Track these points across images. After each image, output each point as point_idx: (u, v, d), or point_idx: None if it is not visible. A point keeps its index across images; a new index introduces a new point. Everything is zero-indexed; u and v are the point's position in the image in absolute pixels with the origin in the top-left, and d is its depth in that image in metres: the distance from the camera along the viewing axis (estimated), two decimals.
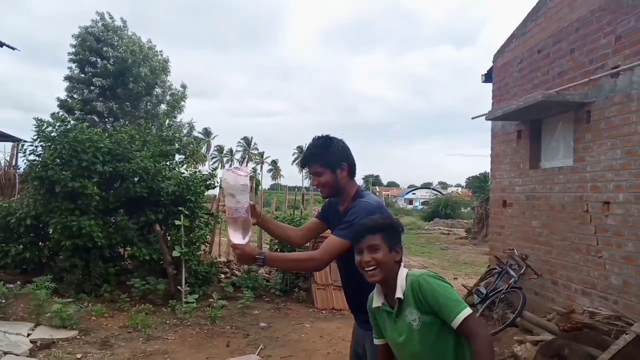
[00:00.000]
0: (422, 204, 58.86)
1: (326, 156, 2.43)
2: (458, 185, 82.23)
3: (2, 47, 13.59)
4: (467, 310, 1.81)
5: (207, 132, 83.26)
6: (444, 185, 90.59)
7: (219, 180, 8.55)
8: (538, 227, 6.38)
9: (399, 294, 1.93)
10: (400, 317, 1.95)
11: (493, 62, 8.00)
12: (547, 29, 6.44)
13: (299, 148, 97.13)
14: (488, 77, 8.31)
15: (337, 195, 2.51)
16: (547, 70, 6.37)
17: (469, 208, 34.27)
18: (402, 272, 1.99)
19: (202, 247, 8.03)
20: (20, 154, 10.61)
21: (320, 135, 2.51)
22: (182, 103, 25.56)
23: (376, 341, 2.17)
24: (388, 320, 2.02)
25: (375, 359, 2.31)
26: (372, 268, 1.97)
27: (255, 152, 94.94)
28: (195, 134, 31.94)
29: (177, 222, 7.00)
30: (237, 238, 2.34)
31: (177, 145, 8.59)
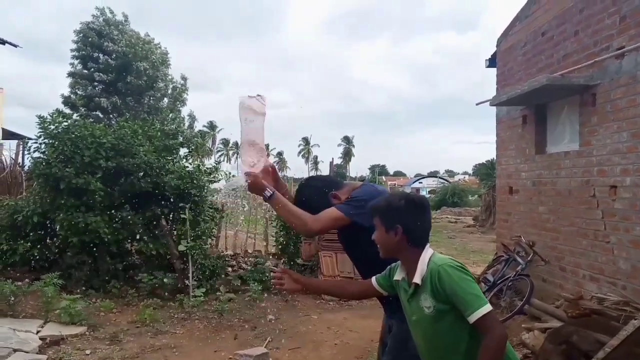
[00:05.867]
0: (429, 192, 58.64)
1: (314, 204, 2.46)
2: (465, 173, 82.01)
3: (4, 44, 13.64)
4: (486, 307, 1.76)
5: (212, 126, 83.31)
6: (450, 173, 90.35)
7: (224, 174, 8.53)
8: (545, 213, 6.32)
9: (417, 278, 1.89)
10: (414, 299, 1.93)
11: (497, 46, 7.89)
12: (550, 10, 6.33)
13: (304, 139, 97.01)
14: (492, 62, 8.20)
15: None
16: (551, 53, 6.27)
17: (476, 196, 34.13)
18: (425, 256, 1.92)
19: (209, 240, 8.04)
20: (25, 152, 10.67)
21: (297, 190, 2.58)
22: (185, 95, 25.55)
23: (374, 282, 2.19)
24: (404, 296, 2.01)
25: (394, 348, 2.31)
26: (377, 246, 2.04)
27: None
28: (198, 126, 31.96)
29: (182, 216, 7.01)
30: (249, 166, 2.39)
31: (180, 138, 8.58)
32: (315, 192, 2.48)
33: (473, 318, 1.75)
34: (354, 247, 2.47)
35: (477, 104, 7.60)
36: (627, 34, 4.88)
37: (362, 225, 2.27)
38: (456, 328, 1.82)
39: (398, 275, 2.04)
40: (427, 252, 1.93)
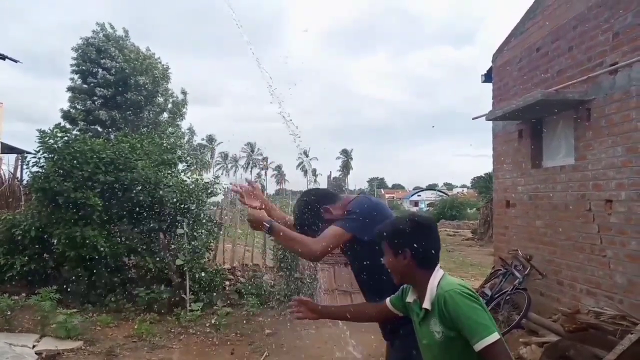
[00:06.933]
0: (428, 205, 58.66)
1: (311, 228, 2.47)
2: (463, 186, 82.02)
3: (4, 59, 13.74)
4: (493, 337, 1.70)
5: (210, 139, 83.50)
6: (449, 186, 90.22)
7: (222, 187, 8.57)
8: (542, 227, 6.34)
9: (426, 304, 1.86)
10: (425, 323, 1.90)
11: (492, 61, 7.98)
12: (545, 27, 6.41)
13: (303, 153, 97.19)
14: (488, 77, 8.27)
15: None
16: (546, 68, 6.34)
17: (474, 209, 34.14)
18: (435, 279, 1.88)
19: (206, 254, 8.03)
20: (24, 166, 10.67)
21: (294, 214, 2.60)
22: (184, 110, 25.61)
23: (388, 303, 2.16)
24: (415, 319, 1.99)
25: None
26: (389, 271, 2.00)
27: (260, 157, 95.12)
28: (198, 140, 31.89)
29: (179, 231, 7.02)
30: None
31: (179, 152, 8.62)
32: (311, 205, 2.49)
33: (479, 347, 1.70)
34: (356, 261, 2.45)
35: (473, 119, 7.65)
36: (620, 50, 4.95)
37: (360, 238, 2.27)
38: (466, 355, 1.78)
39: (410, 297, 2.02)
40: (437, 275, 1.89)
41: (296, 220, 2.56)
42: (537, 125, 6.70)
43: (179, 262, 6.86)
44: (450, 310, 1.76)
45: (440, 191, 69.39)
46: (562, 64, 5.98)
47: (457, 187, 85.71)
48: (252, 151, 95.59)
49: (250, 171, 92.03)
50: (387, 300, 2.18)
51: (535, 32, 6.66)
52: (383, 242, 2.00)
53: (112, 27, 23.85)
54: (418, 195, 75.47)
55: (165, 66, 24.80)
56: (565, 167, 5.89)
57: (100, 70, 22.77)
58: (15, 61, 14.08)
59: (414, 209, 61.66)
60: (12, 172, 11.22)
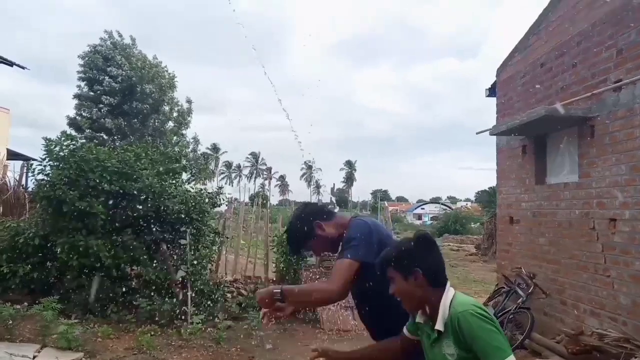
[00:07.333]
0: (431, 219, 58.43)
1: (300, 241, 2.47)
2: (467, 200, 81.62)
3: (12, 66, 13.88)
4: None
5: (215, 148, 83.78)
6: (453, 199, 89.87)
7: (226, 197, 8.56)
8: (545, 245, 6.30)
9: (439, 325, 1.81)
10: (436, 344, 1.86)
11: (496, 76, 7.99)
12: (549, 42, 6.43)
13: (306, 163, 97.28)
14: (492, 92, 8.29)
15: (340, 242, 2.42)
16: (550, 84, 6.35)
17: (478, 223, 33.92)
18: (447, 299, 1.83)
19: (209, 266, 8.00)
20: (29, 174, 10.71)
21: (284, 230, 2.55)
22: (189, 118, 25.72)
23: (405, 332, 2.08)
24: (426, 340, 1.94)
25: None
26: (399, 299, 1.93)
27: (264, 167, 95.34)
28: (202, 149, 31.91)
29: (182, 242, 7.00)
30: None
31: (184, 161, 8.62)
32: (303, 219, 2.45)
33: None
34: (362, 290, 2.35)
35: (477, 133, 7.64)
36: (624, 67, 4.95)
37: (369, 263, 2.18)
38: None
39: (420, 318, 1.96)
40: (448, 295, 1.85)
41: (288, 234, 2.54)
42: (541, 141, 6.69)
43: (181, 273, 6.83)
44: (465, 332, 1.73)
45: (444, 204, 69.12)
46: (566, 80, 5.98)
47: (461, 200, 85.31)
48: (256, 161, 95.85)
49: (254, 181, 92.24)
50: (404, 329, 2.10)
51: (539, 48, 6.67)
52: (389, 270, 1.93)
53: (120, 35, 24.08)
54: (422, 209, 75.20)
55: (171, 75, 24.98)
56: (569, 184, 5.87)
57: (106, 78, 22.95)
58: (23, 68, 14.22)
59: (418, 222, 61.43)
60: (17, 179, 11.26)
